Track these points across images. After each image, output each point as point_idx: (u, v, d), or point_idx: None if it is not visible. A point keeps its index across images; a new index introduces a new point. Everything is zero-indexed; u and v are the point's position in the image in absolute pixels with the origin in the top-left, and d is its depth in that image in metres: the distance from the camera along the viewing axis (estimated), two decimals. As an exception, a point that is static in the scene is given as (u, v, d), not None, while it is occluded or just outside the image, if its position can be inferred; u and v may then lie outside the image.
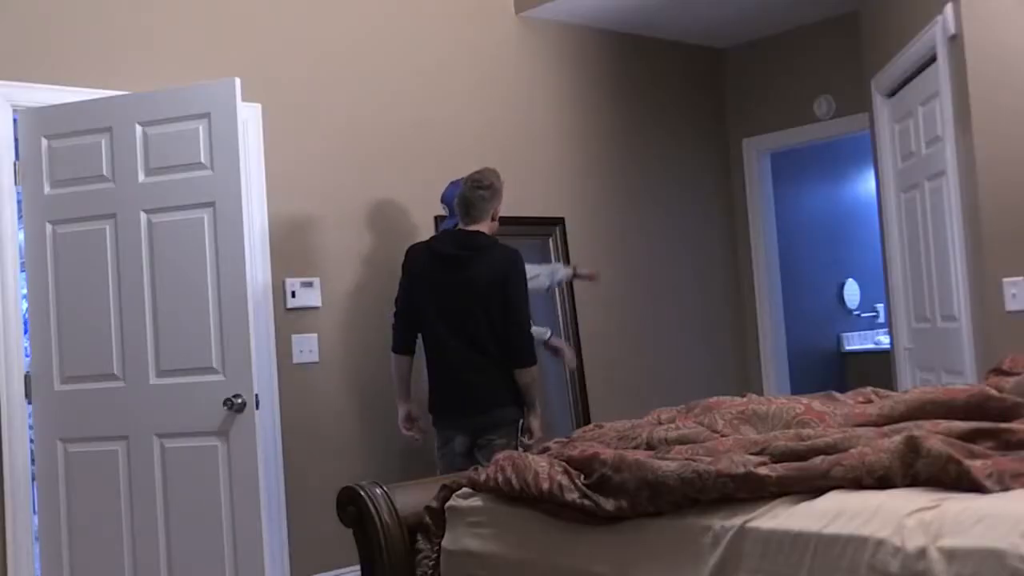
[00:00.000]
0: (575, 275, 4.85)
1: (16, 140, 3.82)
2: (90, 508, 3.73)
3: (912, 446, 1.82)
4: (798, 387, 6.15)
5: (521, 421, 3.98)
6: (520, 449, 3.82)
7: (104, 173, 3.77)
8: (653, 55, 5.96)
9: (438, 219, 4.78)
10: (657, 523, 2.02)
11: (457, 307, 3.90)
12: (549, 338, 4.47)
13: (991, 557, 1.53)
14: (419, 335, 4.09)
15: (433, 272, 3.96)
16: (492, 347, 3.89)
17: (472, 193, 3.98)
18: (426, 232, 4.70)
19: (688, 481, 1.96)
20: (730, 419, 2.35)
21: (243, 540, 3.62)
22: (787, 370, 6.26)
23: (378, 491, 2.50)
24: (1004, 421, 2.02)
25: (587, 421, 5.05)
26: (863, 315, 7.52)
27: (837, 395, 2.58)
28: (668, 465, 2.02)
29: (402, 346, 4.10)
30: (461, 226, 4.04)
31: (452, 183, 4.36)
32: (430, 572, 2.41)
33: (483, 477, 2.37)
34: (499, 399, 3.91)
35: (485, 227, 4.00)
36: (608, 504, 2.07)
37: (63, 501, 3.75)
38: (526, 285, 4.00)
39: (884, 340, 6.65)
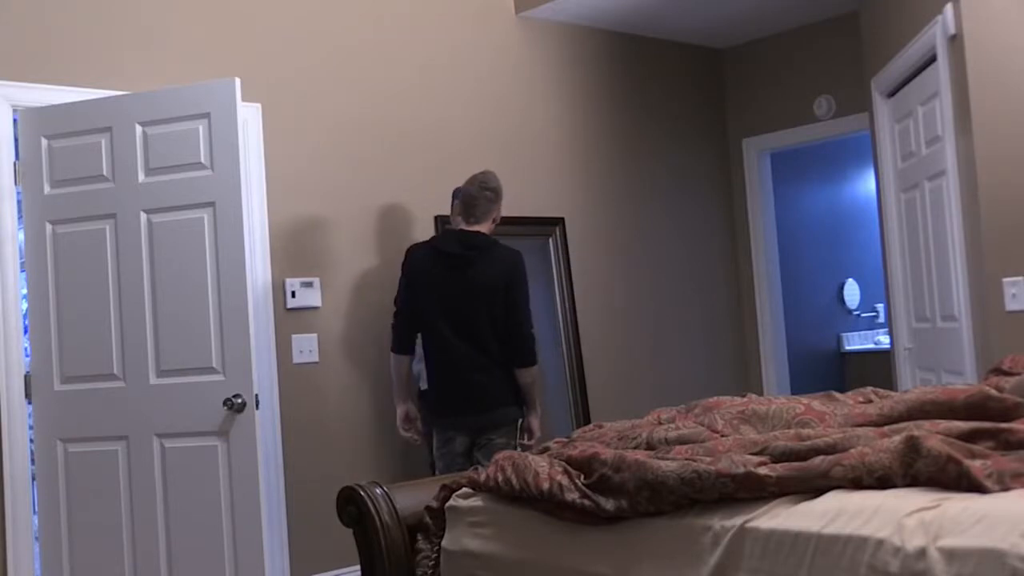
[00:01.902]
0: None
1: (16, 140, 3.82)
2: (90, 508, 3.73)
3: (912, 446, 1.82)
4: (798, 387, 6.16)
5: (521, 421, 3.98)
6: (519, 449, 3.83)
7: (104, 173, 3.77)
8: (653, 55, 5.96)
9: (438, 219, 4.78)
10: (657, 523, 2.02)
11: (460, 306, 3.91)
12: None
13: (991, 557, 1.53)
14: (419, 335, 4.09)
15: (437, 271, 3.97)
16: (494, 346, 3.90)
17: (480, 193, 4.01)
18: (426, 232, 4.70)
19: (688, 481, 1.96)
20: (730, 419, 2.35)
21: (243, 540, 3.62)
22: (787, 370, 6.26)
23: (378, 491, 2.50)
24: (1004, 421, 2.01)
25: (587, 421, 5.05)
26: (863, 315, 7.52)
27: (837, 395, 2.58)
28: (668, 465, 2.02)
29: (402, 346, 4.10)
30: (463, 226, 4.05)
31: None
32: (430, 572, 2.41)
33: (483, 477, 2.37)
34: (501, 399, 3.91)
35: (486, 229, 4.02)
36: (608, 504, 2.07)
37: (63, 501, 3.75)
38: (527, 285, 4.00)
39: (884, 340, 6.65)
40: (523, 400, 3.98)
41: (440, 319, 3.95)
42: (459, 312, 3.91)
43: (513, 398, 3.95)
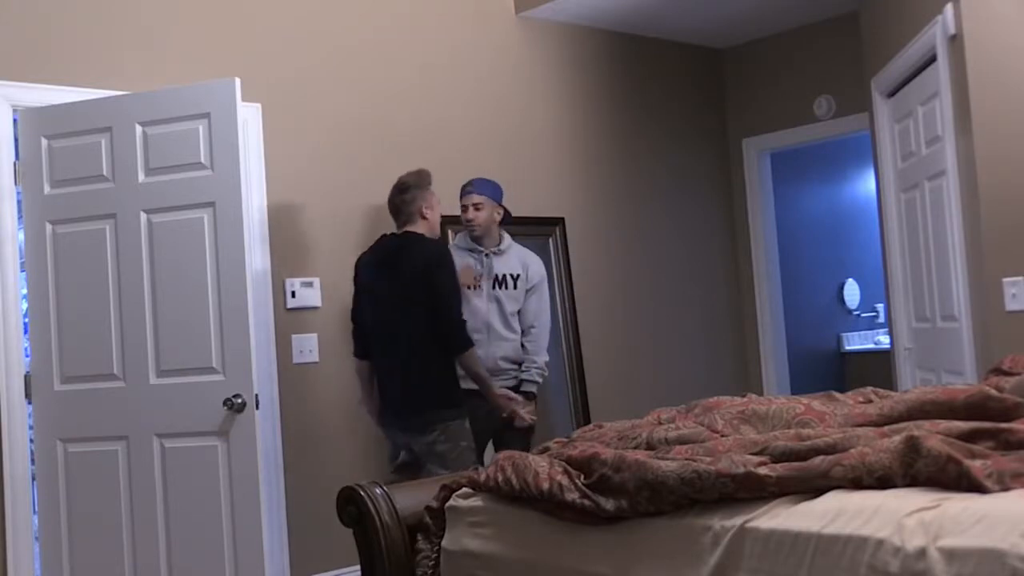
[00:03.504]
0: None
1: (16, 140, 3.82)
2: (90, 508, 3.73)
3: (912, 446, 1.82)
4: (798, 387, 6.15)
5: (459, 421, 3.91)
6: (451, 447, 3.81)
7: (104, 173, 3.77)
8: (653, 55, 5.96)
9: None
10: (657, 523, 2.02)
11: (391, 309, 3.91)
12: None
13: (991, 557, 1.53)
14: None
15: (370, 278, 4.01)
16: (426, 347, 3.87)
17: (396, 198, 4.05)
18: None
19: (688, 481, 1.96)
20: (730, 419, 2.35)
21: (243, 540, 3.62)
22: (787, 370, 6.25)
23: (378, 491, 2.50)
24: (1004, 421, 2.01)
25: (587, 421, 5.05)
26: (863, 315, 7.52)
27: (837, 395, 2.58)
28: (668, 465, 2.02)
29: (361, 352, 4.12)
30: (396, 230, 4.05)
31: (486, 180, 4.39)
32: (430, 572, 2.41)
33: (483, 477, 2.37)
34: (429, 401, 3.86)
35: (419, 227, 3.99)
36: (608, 504, 2.07)
37: (63, 501, 3.75)
38: (453, 274, 3.95)
39: (884, 340, 6.65)
40: (458, 401, 3.92)
41: (375, 325, 3.98)
42: (390, 314, 3.91)
43: (445, 400, 3.89)
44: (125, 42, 4.06)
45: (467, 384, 4.09)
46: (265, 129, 4.36)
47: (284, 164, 4.41)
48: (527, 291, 4.34)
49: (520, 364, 4.28)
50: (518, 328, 4.30)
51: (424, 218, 4.01)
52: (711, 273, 6.15)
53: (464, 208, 4.32)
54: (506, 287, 4.29)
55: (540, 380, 4.31)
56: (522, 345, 4.31)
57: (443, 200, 4.69)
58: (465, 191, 4.35)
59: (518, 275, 4.31)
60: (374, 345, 4.03)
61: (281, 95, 4.43)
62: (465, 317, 3.99)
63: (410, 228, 4.00)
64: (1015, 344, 3.51)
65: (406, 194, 4.01)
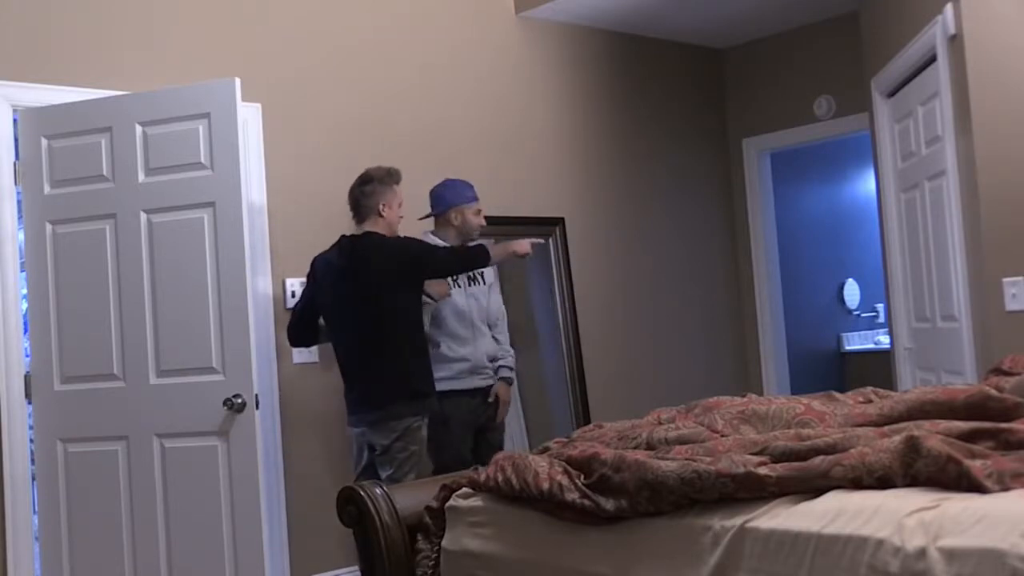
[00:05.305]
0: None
1: (16, 140, 3.82)
2: (90, 508, 3.73)
3: (912, 446, 1.82)
4: (798, 387, 6.15)
5: (417, 423, 3.89)
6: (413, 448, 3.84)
7: (104, 173, 3.77)
8: (653, 55, 5.96)
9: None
10: (657, 523, 2.02)
11: (355, 313, 3.90)
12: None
13: (991, 557, 1.53)
14: (315, 333, 4.12)
15: (330, 281, 3.99)
16: (390, 349, 3.87)
17: (356, 190, 4.01)
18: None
19: (688, 481, 1.96)
20: (730, 419, 2.35)
21: (243, 540, 3.62)
22: (787, 370, 6.25)
23: (378, 491, 2.50)
24: (1004, 421, 2.02)
25: (587, 421, 5.05)
26: (863, 315, 7.52)
27: (837, 395, 2.58)
28: (668, 465, 2.02)
29: (298, 341, 4.17)
30: (354, 228, 4.03)
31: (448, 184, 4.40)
32: (430, 572, 2.41)
33: (483, 477, 2.38)
34: (393, 402, 3.85)
35: (377, 225, 3.97)
36: (608, 504, 2.07)
37: (63, 501, 3.75)
38: (431, 252, 3.98)
39: (884, 340, 6.65)
40: (419, 396, 3.93)
41: (338, 327, 3.98)
42: (354, 317, 3.89)
43: (406, 401, 3.87)
44: (125, 42, 4.06)
45: (450, 385, 4.13)
46: (265, 129, 4.36)
47: (284, 164, 4.41)
48: (488, 287, 4.40)
49: (494, 359, 4.33)
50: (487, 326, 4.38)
51: (381, 216, 3.99)
52: (711, 273, 6.15)
53: (478, 212, 4.34)
54: (478, 284, 4.36)
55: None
56: (494, 338, 4.39)
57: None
58: (473, 195, 4.33)
59: (483, 272, 4.35)
60: (335, 348, 4.04)
61: (281, 95, 4.43)
62: (453, 318, 4.14)
63: (368, 227, 3.98)
64: (1015, 344, 3.51)
65: (366, 186, 3.99)
